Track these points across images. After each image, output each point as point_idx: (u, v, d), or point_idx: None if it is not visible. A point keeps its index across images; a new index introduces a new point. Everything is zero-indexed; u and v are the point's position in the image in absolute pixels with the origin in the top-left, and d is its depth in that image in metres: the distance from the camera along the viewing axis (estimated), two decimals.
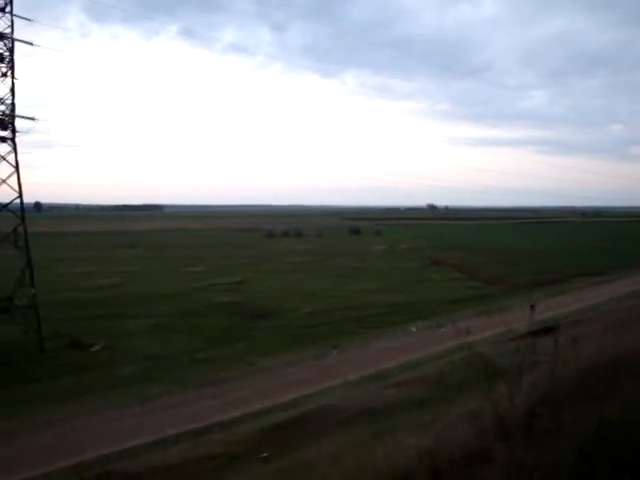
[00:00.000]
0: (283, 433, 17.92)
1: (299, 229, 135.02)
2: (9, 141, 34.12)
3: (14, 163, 34.70)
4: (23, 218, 35.19)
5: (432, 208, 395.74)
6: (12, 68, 33.88)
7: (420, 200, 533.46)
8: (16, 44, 34.14)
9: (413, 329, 38.21)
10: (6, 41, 33.41)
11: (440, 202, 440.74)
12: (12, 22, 33.78)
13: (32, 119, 34.55)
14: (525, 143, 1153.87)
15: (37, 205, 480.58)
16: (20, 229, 35.35)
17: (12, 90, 34.01)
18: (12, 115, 33.62)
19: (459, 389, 20.59)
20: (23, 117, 34.15)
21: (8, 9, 33.84)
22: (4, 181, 35.06)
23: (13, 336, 34.18)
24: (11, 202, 35.54)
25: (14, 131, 34.18)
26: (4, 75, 33.51)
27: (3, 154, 34.72)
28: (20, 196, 35.22)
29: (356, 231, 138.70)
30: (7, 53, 33.62)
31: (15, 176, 35.00)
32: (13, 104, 33.77)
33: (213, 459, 15.90)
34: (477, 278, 62.46)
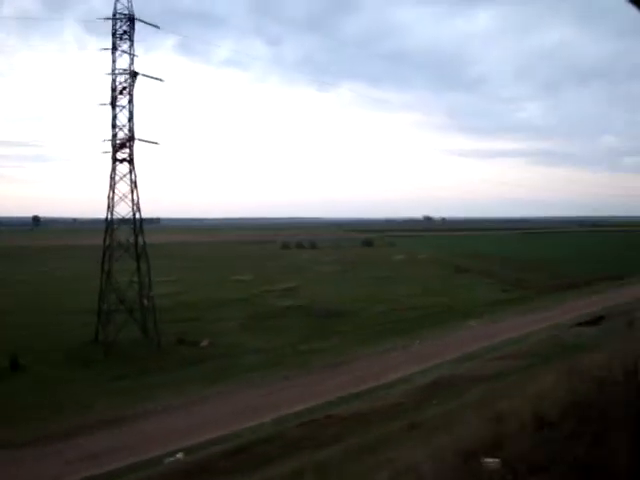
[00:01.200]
0: (432, 391, 23.28)
1: (313, 241, 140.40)
2: (127, 162, 39.34)
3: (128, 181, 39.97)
4: (142, 231, 40.20)
5: (428, 220, 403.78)
6: (131, 100, 39.22)
7: (415, 212, 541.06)
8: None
9: (473, 324, 43.68)
10: (127, 76, 38.73)
11: (436, 214, 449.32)
12: (132, 59, 39.16)
13: (155, 143, 39.86)
14: (519, 154, 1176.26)
15: (35, 219, 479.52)
16: (134, 240, 40.36)
17: (130, 118, 39.26)
18: (132, 139, 38.83)
19: (549, 359, 26.17)
20: (145, 141, 39.46)
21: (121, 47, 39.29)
22: (120, 198, 40.19)
23: (132, 335, 39.17)
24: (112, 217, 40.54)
25: (132, 154, 39.41)
26: (123, 106, 38.85)
27: (120, 174, 39.88)
28: (138, 211, 40.28)
29: (369, 243, 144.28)
30: (128, 87, 38.90)
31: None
32: (132, 130, 39.02)
33: (400, 405, 21.14)
34: (505, 283, 68.16)
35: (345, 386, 26.89)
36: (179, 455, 19.89)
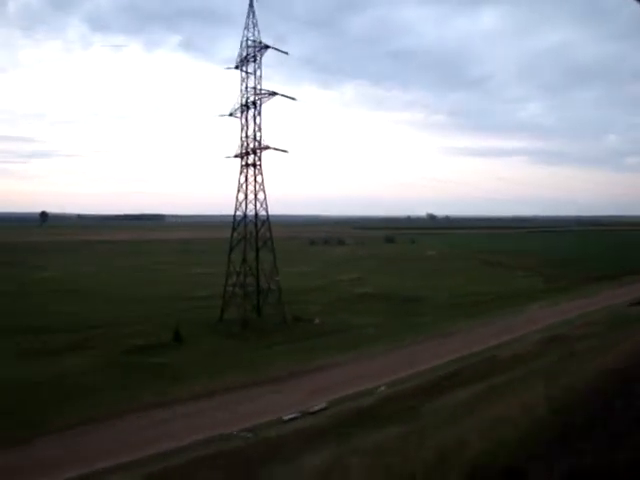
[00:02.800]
0: (552, 343, 31.08)
1: (340, 238, 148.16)
2: (256, 167, 46.74)
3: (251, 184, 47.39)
4: (269, 225, 47.54)
5: (432, 218, 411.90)
6: (260, 113, 46.48)
7: (418, 210, 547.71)
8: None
9: (535, 306, 51.49)
10: (258, 93, 45.93)
11: (438, 212, 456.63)
12: (260, 77, 46.34)
13: (285, 151, 47.12)
14: (521, 153, 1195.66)
15: (43, 215, 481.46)
16: (255, 233, 47.72)
17: (259, 129, 46.53)
18: (260, 148, 46.16)
19: (622, 326, 34.05)
20: (276, 149, 46.69)
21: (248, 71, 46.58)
22: (242, 198, 47.53)
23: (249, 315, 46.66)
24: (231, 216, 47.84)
25: (260, 159, 46.79)
26: (254, 117, 46.19)
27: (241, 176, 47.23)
28: (261, 209, 47.63)
29: (391, 240, 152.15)
30: (257, 102, 46.19)
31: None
32: (260, 140, 46.32)
33: (535, 351, 28.92)
34: (541, 275, 76.08)
35: (469, 345, 34.74)
36: (382, 388, 27.43)
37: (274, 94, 45.78)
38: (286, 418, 23.59)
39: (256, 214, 47.82)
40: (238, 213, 47.88)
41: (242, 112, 46.32)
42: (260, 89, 45.66)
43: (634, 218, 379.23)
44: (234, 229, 47.31)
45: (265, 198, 47.36)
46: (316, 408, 24.62)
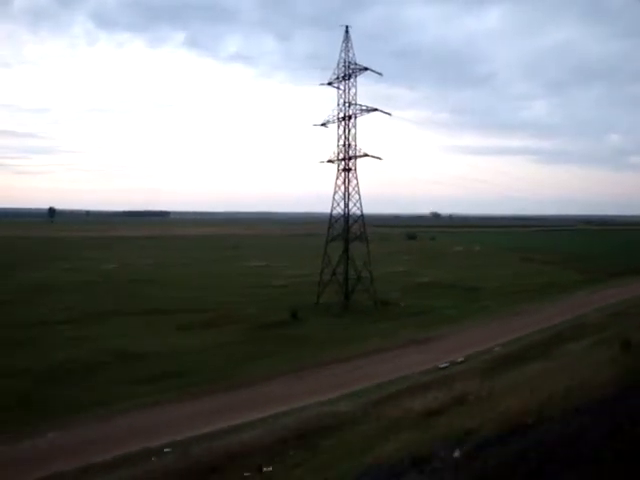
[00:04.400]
0: (617, 316, 39.41)
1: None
2: (351, 172, 54.93)
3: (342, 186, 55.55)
4: (364, 223, 55.65)
5: (436, 216, 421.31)
6: (355, 125, 54.58)
7: (421, 208, 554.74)
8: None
9: (581, 293, 59.76)
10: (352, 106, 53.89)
11: (442, 210, 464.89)
12: (355, 93, 54.31)
13: (379, 158, 55.11)
14: (525, 152, 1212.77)
15: (51, 211, 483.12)
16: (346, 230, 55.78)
17: (353, 138, 54.61)
18: (356, 156, 54.25)
19: None
20: (372, 156, 54.65)
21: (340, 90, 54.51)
22: (330, 199, 55.50)
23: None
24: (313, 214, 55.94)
25: (355, 165, 55.02)
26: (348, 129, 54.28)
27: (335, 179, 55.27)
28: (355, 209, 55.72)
29: (412, 237, 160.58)
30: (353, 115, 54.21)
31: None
32: (355, 149, 54.47)
33: (606, 321, 37.29)
34: (572, 269, 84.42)
35: (549, 320, 43.09)
36: (497, 349, 35.52)
37: (374, 110, 53.92)
38: (441, 366, 31.64)
39: (347, 213, 55.95)
40: (335, 211, 56.36)
41: (339, 123, 54.44)
42: (360, 105, 53.90)
43: (636, 217, 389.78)
44: (330, 226, 55.49)
45: (360, 198, 55.58)
46: (459, 359, 32.74)
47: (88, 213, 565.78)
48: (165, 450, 21.14)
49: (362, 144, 56.37)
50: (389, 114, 55.87)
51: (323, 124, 55.88)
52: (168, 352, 37.16)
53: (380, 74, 54.89)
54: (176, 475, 18.53)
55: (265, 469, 18.06)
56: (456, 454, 9.94)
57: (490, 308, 52.39)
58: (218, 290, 64.47)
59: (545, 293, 60.46)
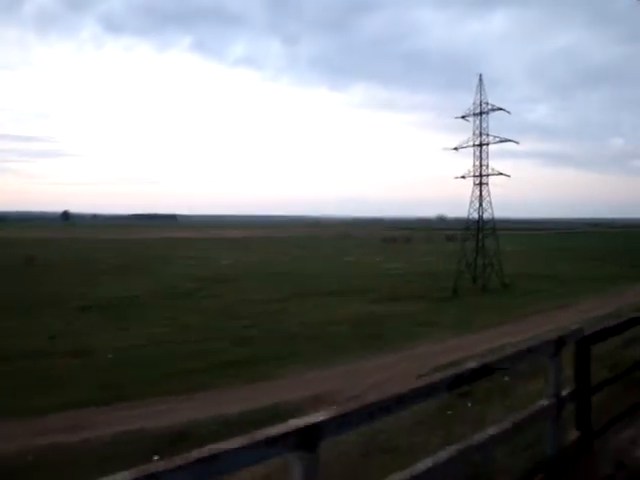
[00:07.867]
0: None
1: (408, 236, 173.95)
2: (483, 185, 72.13)
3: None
4: (494, 224, 72.71)
5: (442, 219, 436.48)
6: (488, 152, 71.56)
7: (427, 211, 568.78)
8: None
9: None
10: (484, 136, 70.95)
11: (448, 214, 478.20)
12: (487, 127, 71.27)
13: (507, 176, 72.12)
14: (528, 156, 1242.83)
15: (65, 214, 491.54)
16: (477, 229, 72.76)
17: (486, 158, 71.62)
18: (487, 175, 71.45)
19: None
20: (500, 174, 71.58)
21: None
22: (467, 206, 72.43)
23: (467, 283, 71.50)
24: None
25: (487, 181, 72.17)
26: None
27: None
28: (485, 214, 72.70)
29: (451, 238, 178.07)
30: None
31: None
32: (487, 167, 71.52)
33: None
34: (613, 264, 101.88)
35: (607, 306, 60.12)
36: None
37: (507, 141, 71.01)
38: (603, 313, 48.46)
39: (480, 217, 73.14)
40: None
41: (474, 148, 71.68)
42: (494, 136, 71.10)
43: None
44: (467, 228, 72.55)
45: (491, 206, 72.85)
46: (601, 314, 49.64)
47: (95, 216, 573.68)
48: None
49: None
50: (517, 142, 72.95)
51: (455, 148, 73.09)
52: (387, 315, 49.31)
53: (508, 112, 72.06)
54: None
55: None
56: None
57: (588, 289, 69.25)
58: (356, 278, 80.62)
59: (617, 279, 77.65)
